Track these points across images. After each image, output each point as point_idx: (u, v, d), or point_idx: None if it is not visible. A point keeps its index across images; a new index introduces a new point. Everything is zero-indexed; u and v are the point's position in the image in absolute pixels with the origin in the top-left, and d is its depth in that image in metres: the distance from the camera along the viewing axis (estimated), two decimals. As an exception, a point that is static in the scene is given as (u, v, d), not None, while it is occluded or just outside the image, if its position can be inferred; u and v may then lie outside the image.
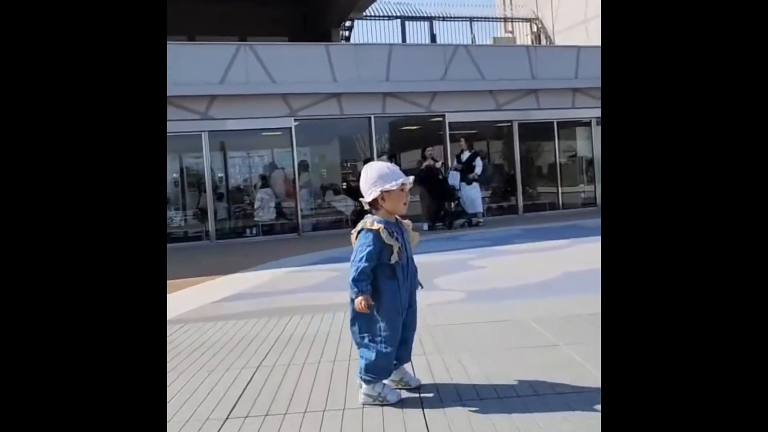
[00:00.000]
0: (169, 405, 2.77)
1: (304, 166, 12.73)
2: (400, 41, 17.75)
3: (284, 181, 12.58)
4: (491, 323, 4.00)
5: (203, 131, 11.67)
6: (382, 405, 2.63)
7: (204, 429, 2.54)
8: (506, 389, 2.75)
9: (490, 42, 17.54)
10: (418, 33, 18.41)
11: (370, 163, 2.81)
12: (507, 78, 13.37)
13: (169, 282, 4.84)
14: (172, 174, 12.14)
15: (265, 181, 12.39)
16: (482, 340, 3.59)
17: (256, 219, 12.22)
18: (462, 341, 3.59)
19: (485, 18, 19.36)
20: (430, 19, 18.33)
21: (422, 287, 2.86)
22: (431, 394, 2.75)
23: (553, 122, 14.18)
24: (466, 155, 12.20)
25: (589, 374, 2.86)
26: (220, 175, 12.58)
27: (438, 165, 11.73)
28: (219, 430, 2.53)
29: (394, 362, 2.74)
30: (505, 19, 19.85)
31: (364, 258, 2.62)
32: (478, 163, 12.05)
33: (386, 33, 18.18)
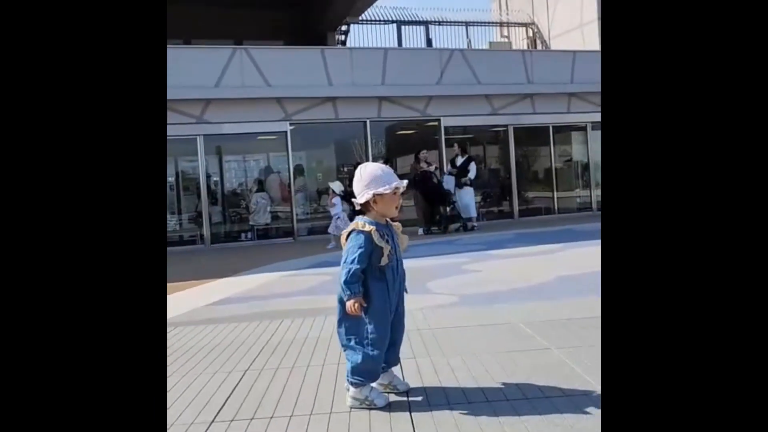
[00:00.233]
0: (154, 409, 2.74)
1: (299, 170, 12.71)
2: (396, 45, 17.76)
3: (280, 185, 12.57)
4: (483, 327, 3.98)
5: (198, 135, 11.67)
6: (370, 409, 2.61)
7: (189, 433, 2.52)
8: (495, 392, 2.73)
9: (485, 46, 17.52)
10: (414, 37, 18.45)
11: (364, 164, 2.79)
12: (503, 82, 13.40)
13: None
14: (168, 178, 12.11)
15: (261, 185, 12.37)
16: (473, 343, 3.57)
17: (251, 223, 12.19)
18: (453, 344, 3.56)
19: (481, 23, 19.40)
20: (426, 23, 18.36)
21: (407, 292, 2.83)
22: (420, 398, 2.72)
23: (548, 127, 14.21)
24: (460, 160, 12.21)
25: (580, 378, 2.84)
26: (215, 179, 12.57)
27: (432, 168, 11.72)
28: (204, 434, 2.50)
29: (383, 365, 2.72)
30: (501, 24, 19.88)
31: (356, 260, 2.60)
32: (472, 168, 12.06)
33: (382, 37, 18.20)
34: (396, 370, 2.90)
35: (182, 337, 4.22)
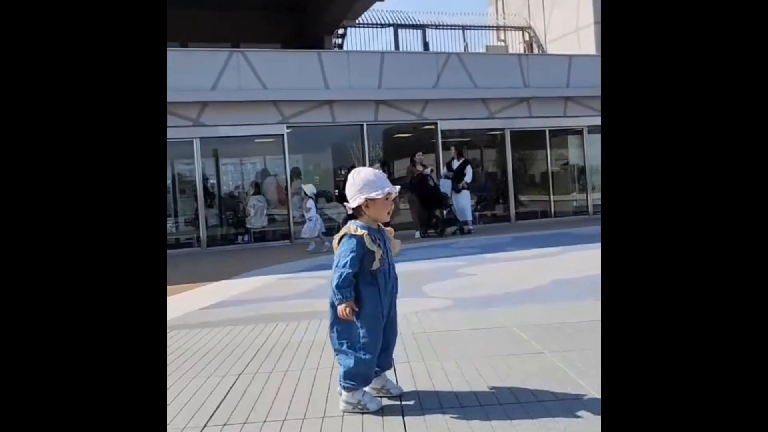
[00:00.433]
0: (147, 413, 2.73)
1: (296, 173, 12.71)
2: (392, 49, 17.77)
3: (276, 188, 12.57)
4: (477, 330, 3.98)
5: (195, 138, 11.64)
6: (362, 413, 2.61)
7: (181, 437, 2.52)
8: (488, 397, 2.73)
9: (482, 50, 17.55)
10: (410, 41, 18.44)
11: (357, 169, 2.80)
12: (499, 86, 13.41)
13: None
14: (164, 180, 12.11)
15: (258, 188, 12.37)
16: (467, 347, 3.57)
17: (248, 226, 12.18)
18: (446, 348, 3.57)
19: (478, 26, 19.41)
20: (422, 27, 18.37)
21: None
22: (412, 402, 2.73)
23: (545, 130, 14.21)
24: (456, 163, 12.22)
25: (573, 382, 2.84)
26: (211, 181, 12.56)
27: (427, 171, 11.72)
28: (196, 438, 2.50)
29: (376, 369, 2.73)
30: (498, 28, 19.91)
31: (348, 264, 2.60)
32: (468, 171, 12.08)
33: (379, 41, 18.19)
34: (389, 373, 2.90)
35: (177, 341, 4.22)
